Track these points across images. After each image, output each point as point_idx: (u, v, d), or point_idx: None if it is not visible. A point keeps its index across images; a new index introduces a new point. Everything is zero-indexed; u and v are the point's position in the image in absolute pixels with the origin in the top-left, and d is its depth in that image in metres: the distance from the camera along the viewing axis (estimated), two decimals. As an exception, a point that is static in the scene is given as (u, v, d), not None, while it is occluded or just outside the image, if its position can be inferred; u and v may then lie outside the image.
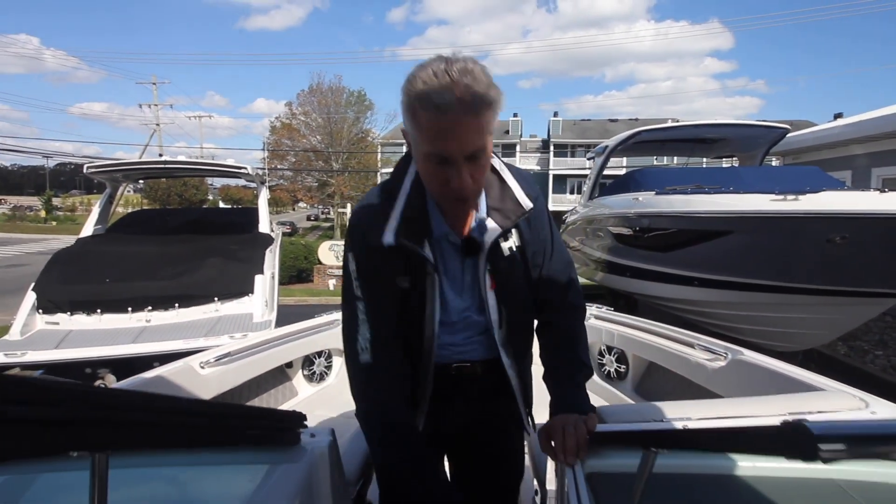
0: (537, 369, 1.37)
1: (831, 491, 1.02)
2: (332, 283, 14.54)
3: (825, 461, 0.47)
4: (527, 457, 2.24)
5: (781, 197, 4.82)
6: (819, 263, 4.78)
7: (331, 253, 15.05)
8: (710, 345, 2.12)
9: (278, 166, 28.81)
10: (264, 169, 18.13)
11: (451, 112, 1.01)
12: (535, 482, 1.64)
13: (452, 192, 1.09)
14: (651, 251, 6.68)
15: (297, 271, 15.19)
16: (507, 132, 36.70)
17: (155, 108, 31.32)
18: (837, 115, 12.27)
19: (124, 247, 5.76)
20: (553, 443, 1.11)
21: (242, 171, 8.35)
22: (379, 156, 30.68)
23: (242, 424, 0.85)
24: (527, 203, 1.25)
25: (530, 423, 1.43)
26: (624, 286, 7.82)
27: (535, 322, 1.39)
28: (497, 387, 1.36)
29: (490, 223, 1.22)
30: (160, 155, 9.39)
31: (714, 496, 1.01)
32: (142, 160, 8.44)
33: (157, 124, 31.46)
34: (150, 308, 5.24)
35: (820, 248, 4.63)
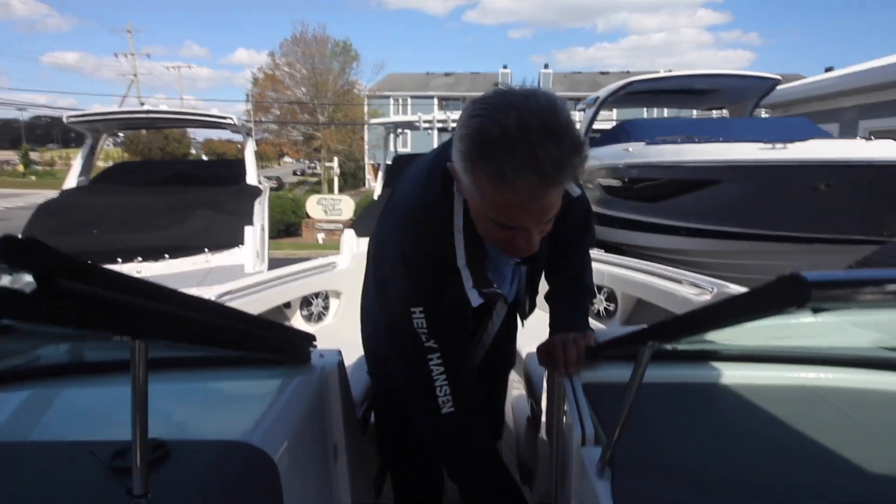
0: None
1: (813, 396, 1.11)
2: (320, 236, 14.49)
3: (815, 311, 0.52)
4: (521, 386, 2.34)
5: (770, 145, 4.87)
6: (804, 212, 4.88)
7: (319, 207, 14.92)
8: (696, 280, 2.20)
9: (262, 119, 28.13)
10: (249, 121, 17.69)
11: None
12: (529, 405, 1.73)
13: (517, 252, 0.95)
14: (640, 202, 6.74)
15: (286, 225, 15.12)
16: (497, 85, 35.99)
17: (131, 58, 30.16)
18: (828, 69, 12.16)
19: (110, 198, 5.68)
20: (554, 357, 1.18)
21: (227, 121, 8.14)
22: (366, 108, 30.02)
23: (261, 333, 0.89)
24: (575, 190, 1.16)
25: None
26: (612, 237, 7.93)
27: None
28: (507, 323, 1.44)
29: None
30: (141, 104, 9.11)
31: (704, 404, 1.09)
32: (123, 109, 8.19)
33: (135, 74, 30.37)
34: (139, 259, 5.21)
35: (805, 196, 4.72)
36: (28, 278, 0.46)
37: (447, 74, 34.84)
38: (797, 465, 0.87)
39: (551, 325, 1.29)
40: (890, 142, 4.28)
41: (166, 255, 5.17)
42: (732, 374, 1.15)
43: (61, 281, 0.48)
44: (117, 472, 0.75)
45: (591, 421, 0.99)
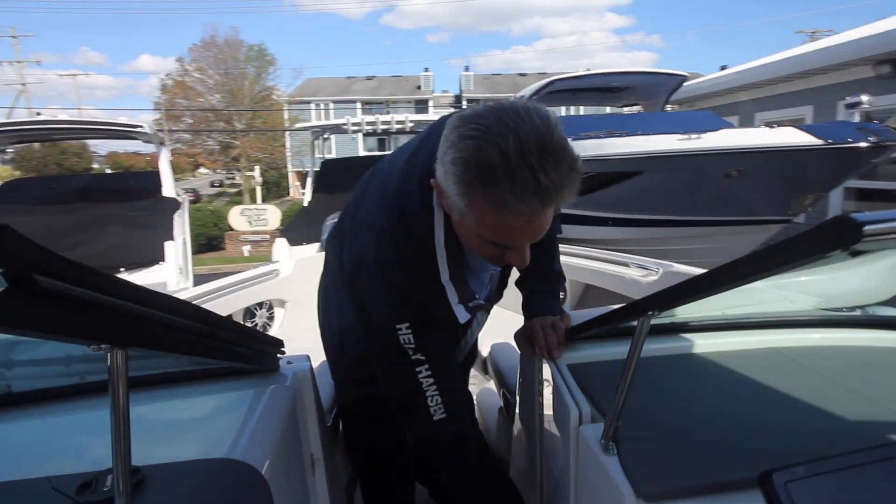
0: None
1: (776, 356, 1.17)
2: (246, 249, 13.89)
3: (854, 255, 0.53)
4: (482, 381, 2.33)
5: (686, 136, 5.20)
6: (719, 197, 5.26)
7: (242, 218, 14.27)
8: (642, 263, 2.29)
9: (173, 128, 26.54)
10: (161, 130, 16.55)
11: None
12: (502, 395, 1.72)
13: (505, 264, 0.96)
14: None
15: (207, 239, 14.38)
16: (419, 87, 36.20)
17: (18, 66, 27.52)
18: (723, 67, 13.23)
19: (5, 218, 5.12)
20: (535, 342, 1.17)
21: (138, 129, 7.60)
22: (286, 115, 29.13)
23: (233, 338, 0.82)
24: None
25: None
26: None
27: None
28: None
29: None
30: (37, 114, 8.31)
31: (685, 373, 1.12)
32: (16, 121, 7.42)
33: (23, 84, 27.74)
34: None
35: (720, 182, 5.08)
36: None
37: (369, 78, 34.55)
38: (784, 417, 0.91)
39: (527, 311, 1.29)
40: (791, 128, 4.71)
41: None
42: (705, 343, 1.19)
43: (39, 279, 0.40)
44: (87, 509, 0.65)
45: (585, 400, 0.99)
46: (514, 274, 1.39)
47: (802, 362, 1.13)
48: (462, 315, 1.02)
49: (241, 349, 0.87)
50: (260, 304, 2.64)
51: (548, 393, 1.18)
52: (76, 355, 1.19)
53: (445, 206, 0.93)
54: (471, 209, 0.83)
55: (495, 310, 1.46)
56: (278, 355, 1.14)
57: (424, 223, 0.99)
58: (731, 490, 0.74)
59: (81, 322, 0.46)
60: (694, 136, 5.15)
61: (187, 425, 0.96)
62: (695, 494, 0.74)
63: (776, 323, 1.28)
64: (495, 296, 1.36)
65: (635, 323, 0.83)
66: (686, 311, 1.35)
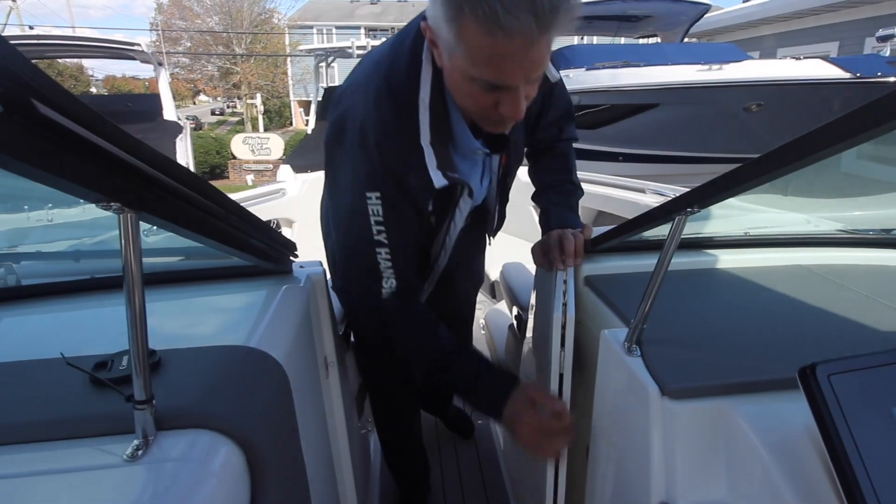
0: None
1: (804, 272, 1.14)
2: (249, 178, 13.72)
3: None
4: (489, 304, 2.34)
5: (707, 67, 4.97)
6: (736, 133, 5.10)
7: (245, 146, 13.99)
8: (659, 189, 2.22)
9: (170, 51, 25.56)
10: (159, 52, 15.87)
11: (522, 35, 0.72)
12: (514, 313, 1.72)
13: (500, 118, 0.86)
14: (580, 129, 6.78)
15: (210, 167, 14.19)
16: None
17: (6, -20, 26.16)
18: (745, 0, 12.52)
19: None
20: (551, 253, 1.14)
21: (135, 48, 7.33)
22: (287, 39, 27.99)
23: (247, 228, 0.78)
24: (553, 74, 1.06)
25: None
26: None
27: (529, 148, 1.37)
28: (479, 225, 1.37)
29: None
30: (30, 28, 7.98)
31: (709, 286, 1.09)
32: (10, 35, 7.12)
33: (14, 0, 26.52)
34: (50, 206, 4.73)
35: (738, 116, 4.91)
36: None
37: (373, 2, 32.90)
38: (813, 325, 0.89)
39: (543, 225, 1.25)
40: (818, 61, 4.48)
41: (81, 200, 4.70)
42: (731, 259, 1.16)
43: (39, 105, 0.36)
44: (105, 384, 0.64)
45: (605, 306, 0.97)
46: (520, 192, 1.33)
47: (831, 278, 1.10)
48: (438, 180, 0.95)
49: (254, 241, 0.83)
50: (268, 223, 2.61)
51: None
52: (96, 250, 1.16)
53: (436, 57, 0.87)
54: (461, 38, 0.76)
55: (503, 236, 1.42)
56: (292, 257, 1.11)
57: (410, 80, 0.92)
58: (761, 390, 0.72)
59: (88, 169, 0.42)
60: (715, 67, 4.92)
61: (203, 318, 0.94)
62: (723, 393, 0.72)
63: (802, 241, 1.24)
64: (495, 207, 1.31)
65: (664, 231, 0.79)
66: (709, 229, 1.32)
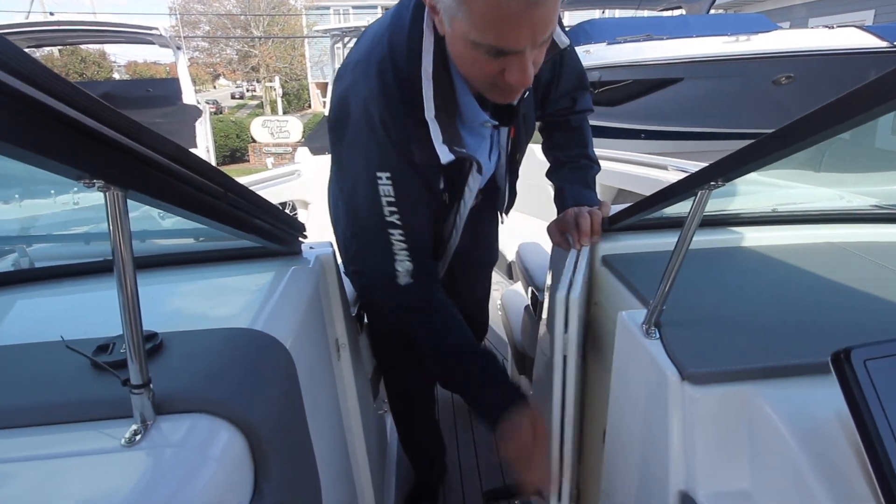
0: None
1: (835, 250, 1.08)
2: (269, 161, 13.78)
3: None
4: (505, 285, 2.31)
5: (734, 38, 4.78)
6: (764, 107, 4.91)
7: (264, 129, 14.00)
8: (682, 166, 2.14)
9: (189, 34, 25.65)
10: (178, 36, 15.95)
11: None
12: (529, 293, 1.68)
13: (507, 87, 0.82)
14: (600, 106, 6.62)
15: (231, 151, 14.29)
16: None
17: (28, -33, 26.44)
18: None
19: None
20: (567, 231, 1.10)
21: (153, 32, 7.37)
22: (304, 21, 27.83)
23: (250, 208, 0.76)
24: (563, 40, 1.01)
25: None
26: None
27: (542, 122, 1.32)
28: (489, 203, 1.33)
29: None
30: (50, 14, 8.07)
31: (734, 265, 1.04)
32: (30, 21, 7.21)
33: (36, -13, 26.81)
34: (74, 190, 4.81)
35: (766, 90, 4.72)
36: None
37: (390, -19, 32.45)
38: (834, 308, 0.84)
39: (559, 203, 1.20)
40: (853, 29, 4.26)
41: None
42: (758, 236, 1.11)
43: (6, 78, 0.33)
44: (104, 368, 0.63)
45: (623, 286, 0.93)
46: (536, 170, 1.29)
47: (866, 256, 1.04)
48: (444, 155, 0.91)
49: (259, 222, 0.81)
50: (283, 204, 2.60)
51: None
52: (102, 232, 1.16)
53: (437, 24, 0.83)
54: (462, 2, 0.72)
55: (521, 216, 1.38)
56: (301, 240, 1.09)
57: (411, 51, 0.88)
58: (788, 375, 0.68)
59: (61, 143, 0.39)
60: (742, 38, 4.72)
61: (208, 300, 0.93)
62: (747, 379, 0.68)
63: (835, 217, 1.18)
64: (505, 184, 1.27)
65: (686, 207, 0.74)
66: (735, 206, 1.26)
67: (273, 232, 0.90)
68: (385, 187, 0.93)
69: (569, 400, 1.05)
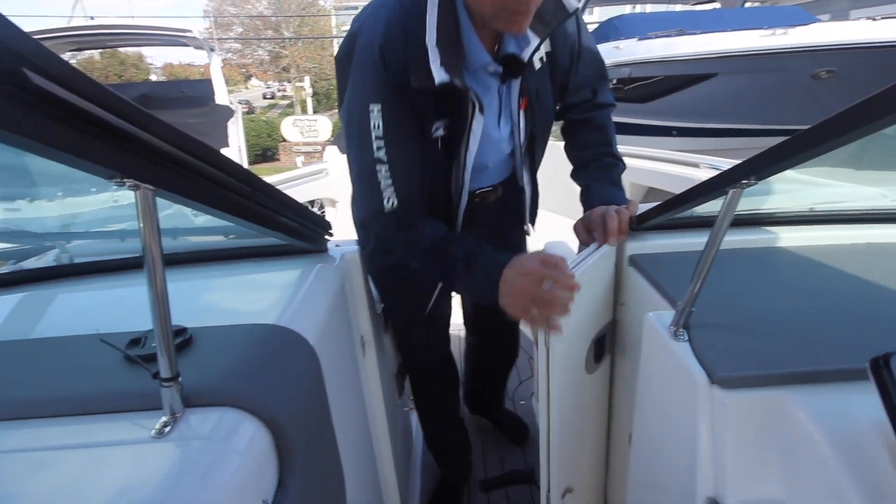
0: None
1: (878, 251, 1.04)
2: (300, 160, 14.00)
3: None
4: None
5: (770, 32, 4.63)
6: (803, 103, 4.74)
7: (294, 129, 14.22)
8: (714, 163, 2.09)
9: (222, 37, 26.22)
10: (211, 38, 16.38)
11: None
12: None
13: (514, 10, 0.84)
14: (630, 103, 6.51)
15: (262, 150, 14.57)
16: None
17: (71, -27, 27.41)
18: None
19: None
20: (594, 230, 1.08)
21: (187, 34, 7.55)
22: (334, 21, 28.13)
23: (277, 206, 0.77)
24: (571, 3, 1.02)
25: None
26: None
27: (563, 121, 1.31)
28: (512, 203, 1.32)
29: (528, 33, 1.00)
30: (91, 19, 8.33)
31: (768, 266, 1.01)
32: (72, 26, 7.48)
33: (78, -7, 27.78)
34: (114, 188, 4.96)
35: (805, 85, 4.56)
36: None
37: (418, -20, 32.44)
38: (874, 311, 0.80)
39: (585, 203, 1.19)
40: (899, 20, 4.08)
41: (139, 182, 4.91)
42: (794, 237, 1.07)
43: (31, 75, 0.34)
44: (135, 361, 0.65)
45: (651, 287, 0.91)
46: (562, 167, 1.27)
47: None
48: (439, 74, 0.90)
49: (285, 220, 0.82)
50: (311, 203, 2.63)
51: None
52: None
53: None
54: None
55: (547, 214, 1.36)
56: (327, 238, 1.11)
57: None
58: (824, 381, 0.66)
59: (92, 143, 0.40)
60: (780, 31, 4.57)
61: (236, 296, 0.95)
62: (780, 384, 0.66)
63: (877, 217, 1.13)
64: (522, 167, 1.25)
65: (717, 206, 0.72)
66: (769, 205, 1.22)
67: (299, 230, 0.91)
68: (375, 120, 0.94)
69: (589, 403, 1.03)
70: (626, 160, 2.42)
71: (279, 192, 0.77)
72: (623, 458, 1.04)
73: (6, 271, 1.08)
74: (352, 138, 1.00)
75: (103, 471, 0.51)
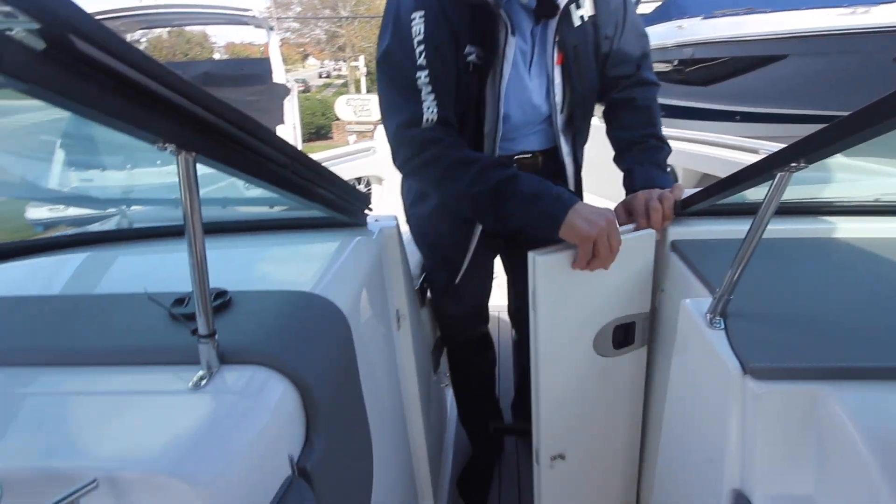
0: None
1: None
2: (351, 139, 14.22)
3: None
4: None
5: (850, 10, 4.30)
6: (881, 87, 4.39)
7: (348, 108, 14.43)
8: (775, 149, 1.97)
9: (281, 16, 26.73)
10: (270, 17, 16.77)
11: None
12: None
13: None
14: (691, 86, 6.21)
15: (316, 128, 14.86)
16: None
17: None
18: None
19: None
20: (636, 215, 1.05)
21: (248, 13, 7.74)
22: None
23: (315, 178, 0.79)
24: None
25: None
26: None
27: (604, 102, 1.28)
28: (554, 178, 1.30)
29: None
30: (148, -2, 8.66)
31: (815, 257, 0.96)
32: (140, 5, 7.81)
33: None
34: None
35: (886, 68, 4.22)
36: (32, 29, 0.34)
37: (476, -42, 31.87)
38: None
39: (628, 186, 1.16)
40: None
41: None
42: (850, 227, 1.01)
43: (77, 42, 0.37)
44: (178, 319, 0.69)
45: (691, 274, 0.89)
46: (604, 148, 1.24)
47: None
48: None
49: (323, 192, 0.85)
50: (358, 180, 2.68)
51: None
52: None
53: None
54: None
55: (586, 196, 1.34)
56: (367, 210, 1.13)
57: None
58: (867, 378, 0.62)
59: (135, 109, 0.43)
60: (860, 10, 4.23)
61: (276, 263, 0.99)
62: (818, 378, 0.63)
63: None
64: (573, 170, 1.24)
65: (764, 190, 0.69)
66: (828, 193, 1.15)
67: (338, 203, 0.93)
68: (417, 26, 1.01)
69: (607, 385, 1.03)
70: (681, 145, 2.33)
71: (317, 164, 0.80)
72: (655, 443, 1.02)
73: (74, 233, 1.16)
74: (390, 54, 1.04)
75: (143, 416, 0.55)
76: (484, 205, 1.01)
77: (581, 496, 1.27)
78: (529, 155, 1.24)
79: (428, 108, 1.03)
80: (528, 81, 1.15)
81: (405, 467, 1.24)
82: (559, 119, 1.19)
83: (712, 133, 5.95)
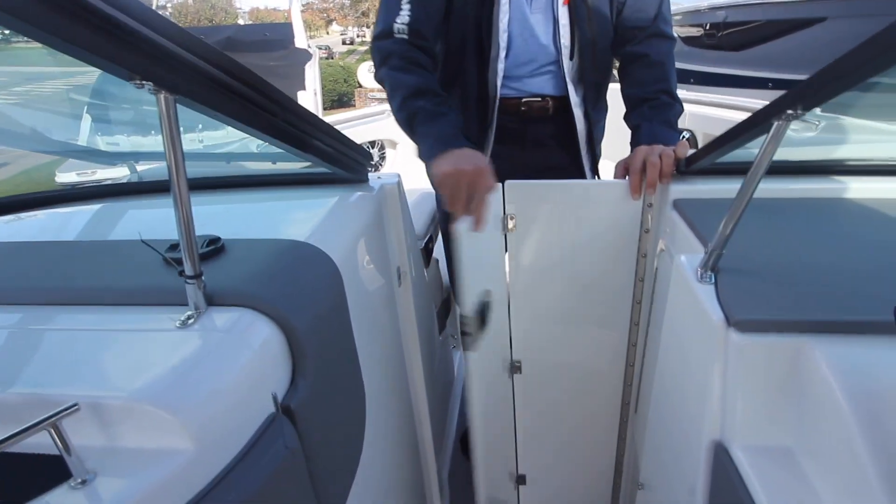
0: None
1: None
2: (373, 106, 14.19)
3: None
4: None
5: (897, -32, 4.04)
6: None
7: (370, 75, 14.36)
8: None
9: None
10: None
11: None
12: None
13: None
14: (723, 51, 5.96)
15: (338, 95, 14.80)
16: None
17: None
18: None
19: None
20: (630, 176, 1.03)
21: (270, -24, 7.66)
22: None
23: (309, 129, 0.79)
24: None
25: (597, 177, 1.38)
26: (682, 96, 7.21)
27: (618, 57, 1.24)
28: (565, 131, 1.27)
29: None
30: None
31: (810, 216, 0.94)
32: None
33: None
34: (200, 127, 5.26)
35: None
36: None
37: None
38: None
39: (634, 142, 1.13)
40: None
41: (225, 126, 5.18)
42: (863, 188, 0.98)
43: None
44: (170, 262, 0.71)
45: (691, 233, 0.87)
46: (617, 109, 1.21)
47: None
48: None
49: (320, 144, 0.85)
50: (372, 143, 2.68)
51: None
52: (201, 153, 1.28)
53: None
54: None
55: (608, 165, 1.32)
56: (369, 166, 1.13)
57: None
58: (851, 332, 0.61)
59: (104, 42, 0.43)
60: (910, -33, 3.98)
61: (272, 215, 1.01)
62: (801, 331, 0.62)
63: None
64: (586, 125, 1.22)
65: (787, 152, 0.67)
66: (840, 154, 1.11)
67: (338, 157, 0.94)
68: None
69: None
70: (701, 108, 2.26)
71: (314, 116, 0.80)
72: (645, 399, 1.03)
73: (88, 186, 1.20)
74: None
75: (130, 351, 0.58)
76: (405, 129, 1.10)
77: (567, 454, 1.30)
78: (539, 98, 1.23)
79: (400, 17, 1.09)
80: (530, 14, 1.14)
81: (406, 421, 1.27)
82: (567, 65, 1.18)
83: (742, 102, 5.74)
